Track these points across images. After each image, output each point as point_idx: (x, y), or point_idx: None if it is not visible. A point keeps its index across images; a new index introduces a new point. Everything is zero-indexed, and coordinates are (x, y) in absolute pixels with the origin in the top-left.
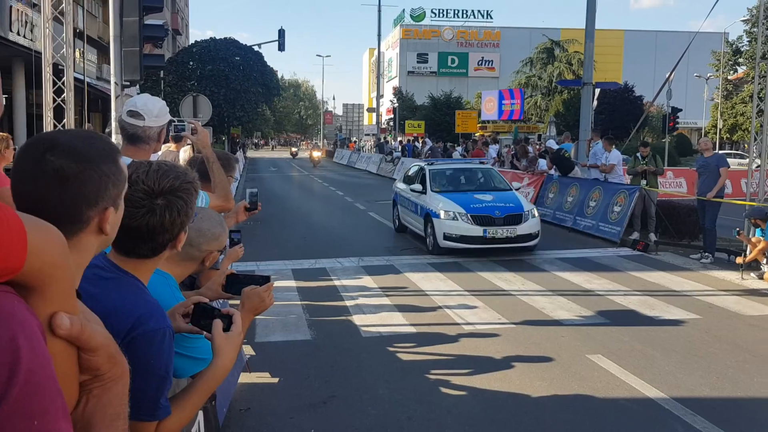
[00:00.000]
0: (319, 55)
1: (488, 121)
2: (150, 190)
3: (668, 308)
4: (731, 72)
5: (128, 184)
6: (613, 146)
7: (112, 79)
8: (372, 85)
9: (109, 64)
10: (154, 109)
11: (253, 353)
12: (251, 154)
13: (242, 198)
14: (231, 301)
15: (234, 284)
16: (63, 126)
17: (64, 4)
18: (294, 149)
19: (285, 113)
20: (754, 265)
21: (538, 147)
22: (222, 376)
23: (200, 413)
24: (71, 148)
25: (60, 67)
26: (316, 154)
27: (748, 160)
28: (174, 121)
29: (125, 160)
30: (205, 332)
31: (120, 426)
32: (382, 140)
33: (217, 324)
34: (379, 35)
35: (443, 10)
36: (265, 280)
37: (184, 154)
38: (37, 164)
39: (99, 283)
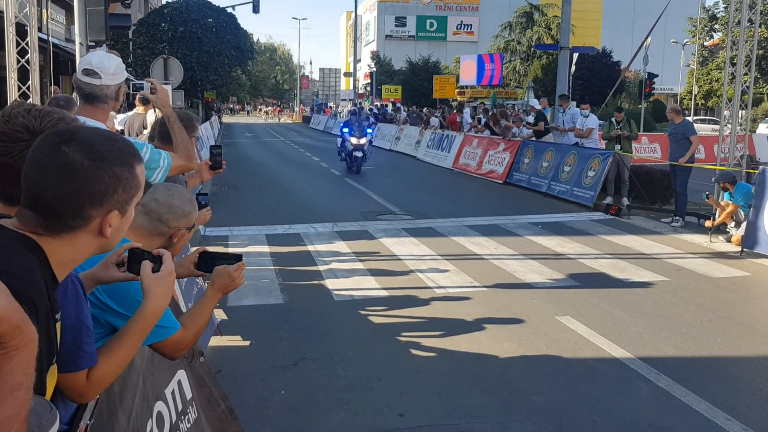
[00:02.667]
0: (296, 18)
1: (466, 87)
2: (31, 126)
3: (638, 271)
4: (707, 38)
5: (8, 119)
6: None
7: (77, 39)
8: (349, 50)
9: None
10: (110, 67)
11: (225, 317)
12: (227, 119)
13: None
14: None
15: (206, 262)
16: (28, 88)
17: None
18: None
19: (261, 78)
20: (722, 229)
21: (516, 113)
22: (153, 317)
23: (184, 373)
24: (88, 144)
25: (25, 27)
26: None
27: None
28: (131, 80)
29: (83, 120)
30: (138, 276)
31: (20, 396)
32: (358, 106)
33: (146, 265)
34: None
35: None
36: (237, 259)
37: (152, 116)
38: (51, 153)
39: None
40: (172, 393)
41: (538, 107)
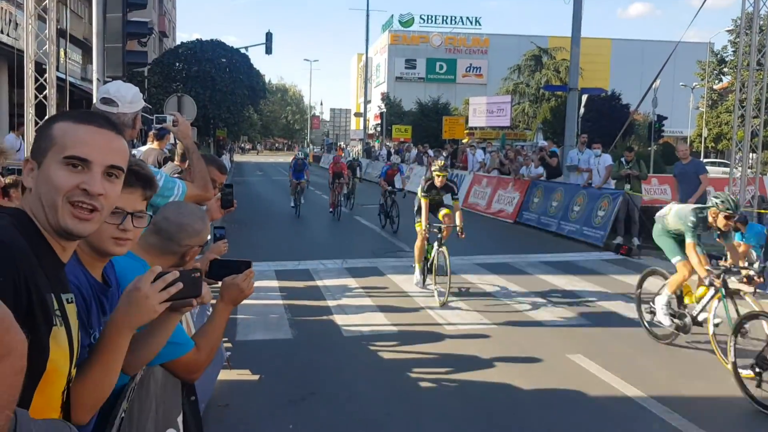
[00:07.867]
0: (307, 60)
1: (475, 128)
2: None
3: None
4: (716, 81)
5: None
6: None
7: (94, 76)
8: (360, 90)
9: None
10: (127, 95)
11: (235, 351)
12: (237, 158)
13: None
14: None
15: (216, 270)
16: None
17: (47, 2)
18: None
19: (272, 118)
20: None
21: (525, 154)
22: (114, 326)
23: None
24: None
25: (43, 66)
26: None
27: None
28: (149, 117)
29: None
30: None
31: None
32: (371, 145)
33: (148, 276)
34: (367, 40)
35: (432, 16)
36: (246, 266)
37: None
38: None
39: None
40: (182, 422)
41: (549, 148)
